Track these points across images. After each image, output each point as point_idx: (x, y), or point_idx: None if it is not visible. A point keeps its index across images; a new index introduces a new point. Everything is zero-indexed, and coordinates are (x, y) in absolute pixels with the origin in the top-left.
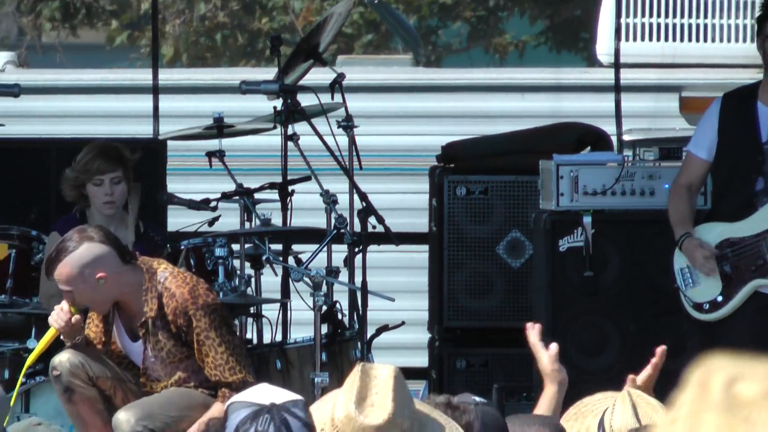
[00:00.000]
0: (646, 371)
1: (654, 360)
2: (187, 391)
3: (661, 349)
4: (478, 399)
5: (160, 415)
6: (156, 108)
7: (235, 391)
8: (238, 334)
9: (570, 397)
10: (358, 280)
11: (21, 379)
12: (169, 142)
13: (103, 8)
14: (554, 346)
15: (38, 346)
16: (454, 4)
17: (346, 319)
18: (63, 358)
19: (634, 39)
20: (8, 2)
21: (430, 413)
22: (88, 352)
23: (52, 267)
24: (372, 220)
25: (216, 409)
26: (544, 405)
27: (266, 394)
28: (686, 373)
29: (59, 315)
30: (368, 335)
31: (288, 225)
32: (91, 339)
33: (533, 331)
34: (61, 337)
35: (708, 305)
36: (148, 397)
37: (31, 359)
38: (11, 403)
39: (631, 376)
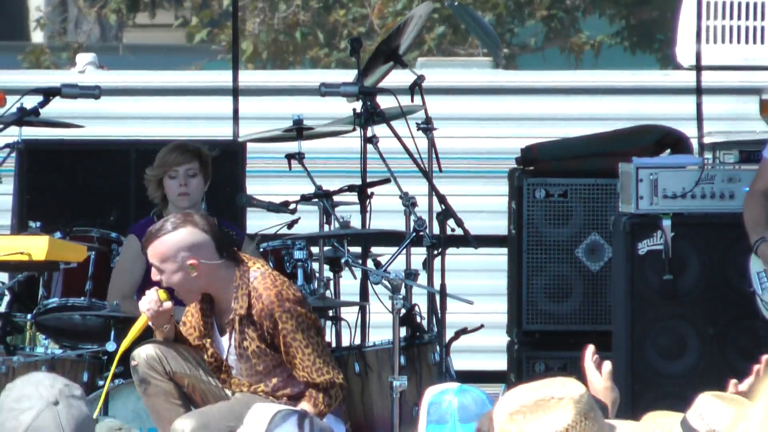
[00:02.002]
0: (750, 378)
1: (759, 366)
2: (253, 400)
3: (766, 357)
4: None
5: (218, 426)
6: (236, 110)
7: (323, 392)
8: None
9: (649, 400)
10: (437, 283)
11: (113, 369)
12: (249, 144)
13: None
14: (608, 364)
15: (130, 334)
16: (530, 1)
17: (424, 322)
18: (142, 350)
19: (715, 41)
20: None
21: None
22: (172, 347)
23: (149, 242)
24: (451, 222)
25: (304, 409)
26: None
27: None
28: (760, 380)
29: (149, 301)
30: (447, 338)
31: (367, 228)
32: (186, 329)
33: (587, 354)
34: (150, 323)
35: None
36: (211, 406)
37: (124, 346)
38: (101, 400)
39: (733, 381)
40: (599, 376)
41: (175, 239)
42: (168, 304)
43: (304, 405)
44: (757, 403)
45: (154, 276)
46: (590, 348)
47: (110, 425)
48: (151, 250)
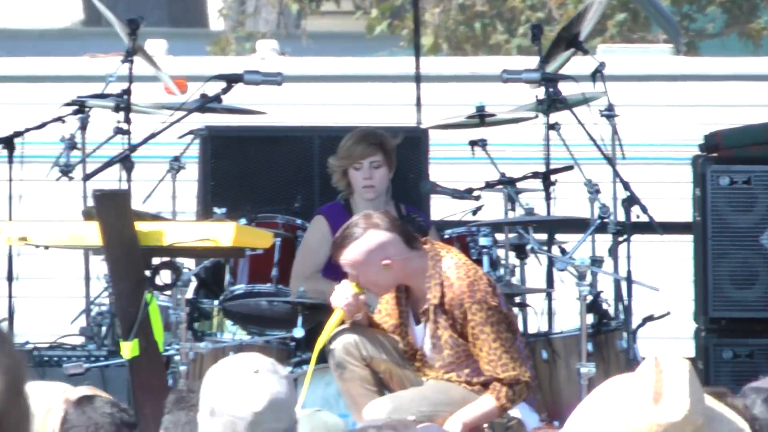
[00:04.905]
0: None
1: None
2: (446, 386)
3: None
4: None
5: (410, 410)
6: (419, 97)
7: (507, 386)
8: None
9: None
10: (622, 269)
11: (314, 360)
12: (431, 131)
13: None
14: None
15: (326, 329)
16: None
17: (611, 309)
18: (340, 335)
19: None
20: None
21: (719, 408)
22: (369, 333)
23: (338, 252)
24: (636, 209)
25: (485, 401)
26: None
27: None
28: None
29: (345, 296)
30: (634, 325)
31: (551, 214)
32: (381, 318)
33: None
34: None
35: None
36: (404, 391)
37: (322, 342)
38: (306, 386)
39: None
40: None
41: (363, 246)
42: (363, 297)
43: (487, 397)
44: None
45: (350, 279)
46: None
47: (313, 409)
48: (343, 259)
